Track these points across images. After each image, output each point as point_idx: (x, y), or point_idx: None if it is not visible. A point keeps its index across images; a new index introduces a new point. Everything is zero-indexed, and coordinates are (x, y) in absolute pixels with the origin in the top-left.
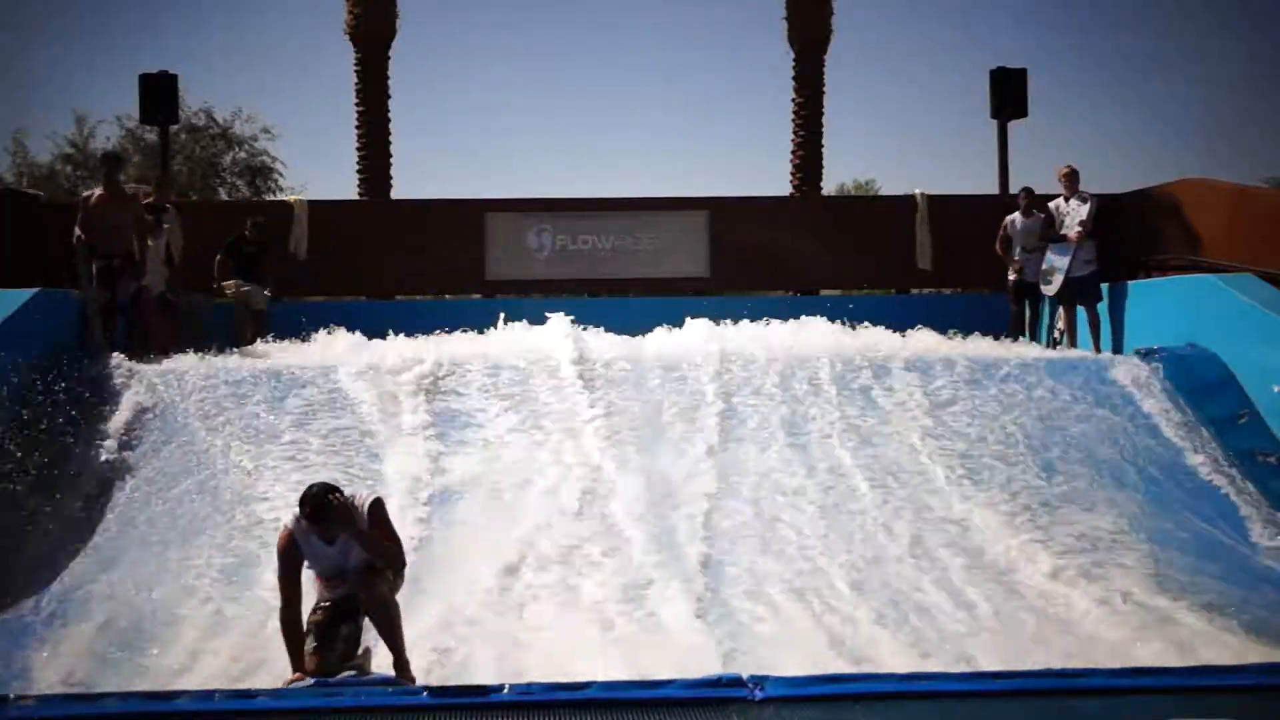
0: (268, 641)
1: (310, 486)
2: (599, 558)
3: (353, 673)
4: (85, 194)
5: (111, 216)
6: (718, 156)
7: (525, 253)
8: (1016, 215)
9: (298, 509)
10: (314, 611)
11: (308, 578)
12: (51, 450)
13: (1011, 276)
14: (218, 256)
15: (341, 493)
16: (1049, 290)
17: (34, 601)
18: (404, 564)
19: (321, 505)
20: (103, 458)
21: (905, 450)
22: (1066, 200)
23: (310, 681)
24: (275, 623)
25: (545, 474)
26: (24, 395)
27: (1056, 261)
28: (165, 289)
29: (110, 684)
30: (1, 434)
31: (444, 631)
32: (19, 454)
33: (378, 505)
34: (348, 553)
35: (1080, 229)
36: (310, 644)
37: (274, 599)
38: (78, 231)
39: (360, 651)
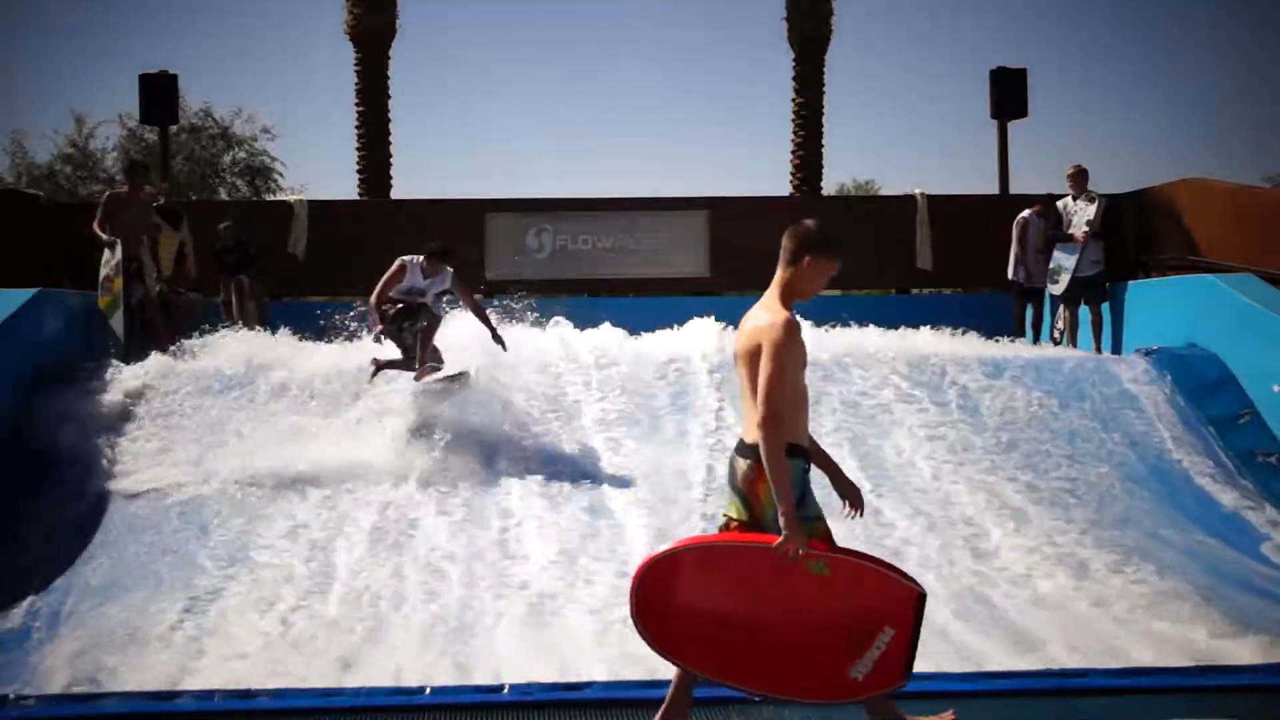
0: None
1: (440, 244)
2: None
3: (442, 381)
4: (110, 193)
5: (129, 218)
6: (718, 156)
7: (525, 253)
8: (1031, 214)
9: (427, 252)
10: (392, 305)
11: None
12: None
13: (1018, 276)
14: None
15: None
16: (1055, 289)
17: (36, 602)
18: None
19: (448, 250)
20: (106, 457)
21: (903, 449)
22: (1074, 199)
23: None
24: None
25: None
26: (24, 395)
27: (1064, 261)
28: (164, 289)
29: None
30: (2, 434)
31: None
32: (21, 454)
33: (466, 286)
34: (430, 287)
35: (1087, 229)
36: (388, 320)
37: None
38: (111, 235)
39: (459, 373)
